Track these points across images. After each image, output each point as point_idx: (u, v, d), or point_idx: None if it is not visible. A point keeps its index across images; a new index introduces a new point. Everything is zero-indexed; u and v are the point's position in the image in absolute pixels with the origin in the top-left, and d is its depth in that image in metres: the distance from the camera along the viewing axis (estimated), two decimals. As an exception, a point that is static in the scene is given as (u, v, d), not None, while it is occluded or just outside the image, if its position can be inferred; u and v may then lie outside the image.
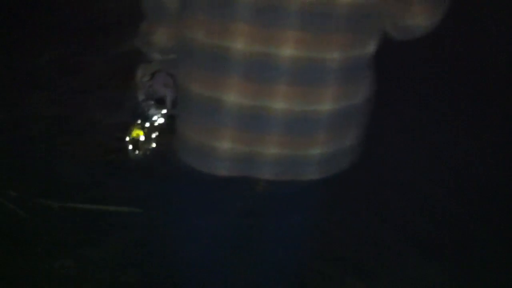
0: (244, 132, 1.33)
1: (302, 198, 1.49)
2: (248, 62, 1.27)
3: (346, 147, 1.41)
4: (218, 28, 1.27)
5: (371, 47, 1.35)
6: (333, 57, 1.28)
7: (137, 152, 1.55)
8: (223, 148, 1.34)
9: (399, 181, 2.94)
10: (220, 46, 1.28)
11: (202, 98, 1.33)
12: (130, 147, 1.56)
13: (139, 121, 1.54)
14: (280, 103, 1.29)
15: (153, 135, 1.54)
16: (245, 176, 1.38)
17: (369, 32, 1.33)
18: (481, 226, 2.76)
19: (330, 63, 1.29)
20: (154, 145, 1.54)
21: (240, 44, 1.26)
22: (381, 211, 2.77)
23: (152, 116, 1.50)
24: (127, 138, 1.56)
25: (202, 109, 1.34)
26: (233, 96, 1.30)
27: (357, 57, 1.33)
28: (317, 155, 1.36)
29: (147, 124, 1.54)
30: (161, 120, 1.49)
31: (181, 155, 1.44)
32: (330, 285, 2.41)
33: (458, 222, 2.79)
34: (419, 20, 1.32)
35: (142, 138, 1.55)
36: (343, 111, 1.35)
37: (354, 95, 1.37)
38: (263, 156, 1.34)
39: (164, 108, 1.49)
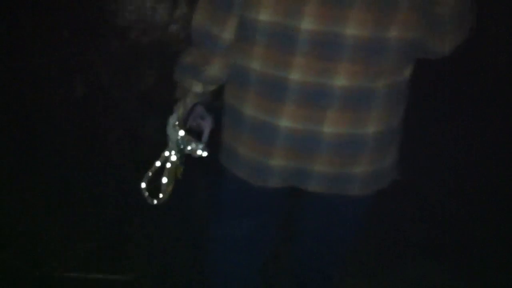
0: (295, 152, 1.43)
1: (344, 212, 1.60)
2: (303, 91, 1.37)
3: (386, 166, 1.52)
4: (276, 60, 1.36)
5: (408, 72, 1.46)
6: (379, 86, 1.39)
7: (161, 196, 1.52)
8: (275, 165, 1.45)
9: (400, 181, 2.95)
10: (277, 76, 1.37)
11: (256, 121, 1.43)
12: (146, 193, 1.53)
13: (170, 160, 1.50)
14: (330, 127, 1.40)
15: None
16: (293, 188, 1.50)
17: (408, 60, 1.43)
18: (481, 226, 2.76)
19: (377, 91, 1.39)
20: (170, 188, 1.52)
21: (296, 75, 1.36)
22: (381, 211, 2.77)
23: (194, 150, 1.49)
24: (143, 185, 1.52)
25: (256, 130, 1.44)
26: (287, 120, 1.40)
27: (399, 83, 1.44)
28: (361, 173, 1.47)
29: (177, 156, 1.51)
30: (203, 153, 1.49)
31: (231, 168, 1.52)
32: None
33: (458, 222, 2.78)
34: (446, 47, 1.45)
35: (165, 180, 1.52)
36: (385, 133, 1.46)
37: (394, 117, 1.48)
38: (311, 173, 1.45)
39: (203, 141, 1.51)
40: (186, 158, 1.54)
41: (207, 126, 1.52)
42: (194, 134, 1.51)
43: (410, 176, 2.92)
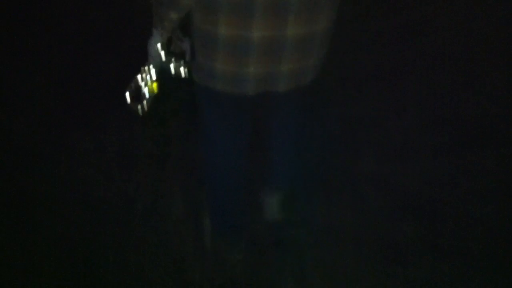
0: (267, 57, 1.73)
1: (301, 98, 2.00)
2: (268, 4, 1.62)
3: (323, 56, 1.89)
4: None
5: None
6: None
7: (145, 104, 1.73)
8: (251, 72, 1.75)
9: (402, 176, 2.94)
10: None
11: (231, 37, 1.68)
12: (129, 98, 1.73)
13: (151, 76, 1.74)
14: (292, 29, 1.70)
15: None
16: (263, 91, 1.83)
17: None
18: (481, 225, 2.75)
19: None
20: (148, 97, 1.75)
21: None
22: (381, 211, 2.77)
23: (178, 67, 1.73)
24: (127, 94, 1.72)
25: (231, 46, 1.70)
26: (258, 30, 1.67)
27: None
28: (313, 64, 1.84)
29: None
30: (185, 70, 1.74)
31: (209, 84, 1.81)
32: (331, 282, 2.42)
33: (463, 222, 2.77)
34: None
35: (147, 93, 1.74)
36: (328, 28, 1.79)
37: (333, 16, 1.78)
38: (280, 73, 1.78)
39: (184, 58, 1.75)
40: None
41: (187, 46, 1.77)
42: (175, 55, 1.76)
43: (409, 176, 2.93)
